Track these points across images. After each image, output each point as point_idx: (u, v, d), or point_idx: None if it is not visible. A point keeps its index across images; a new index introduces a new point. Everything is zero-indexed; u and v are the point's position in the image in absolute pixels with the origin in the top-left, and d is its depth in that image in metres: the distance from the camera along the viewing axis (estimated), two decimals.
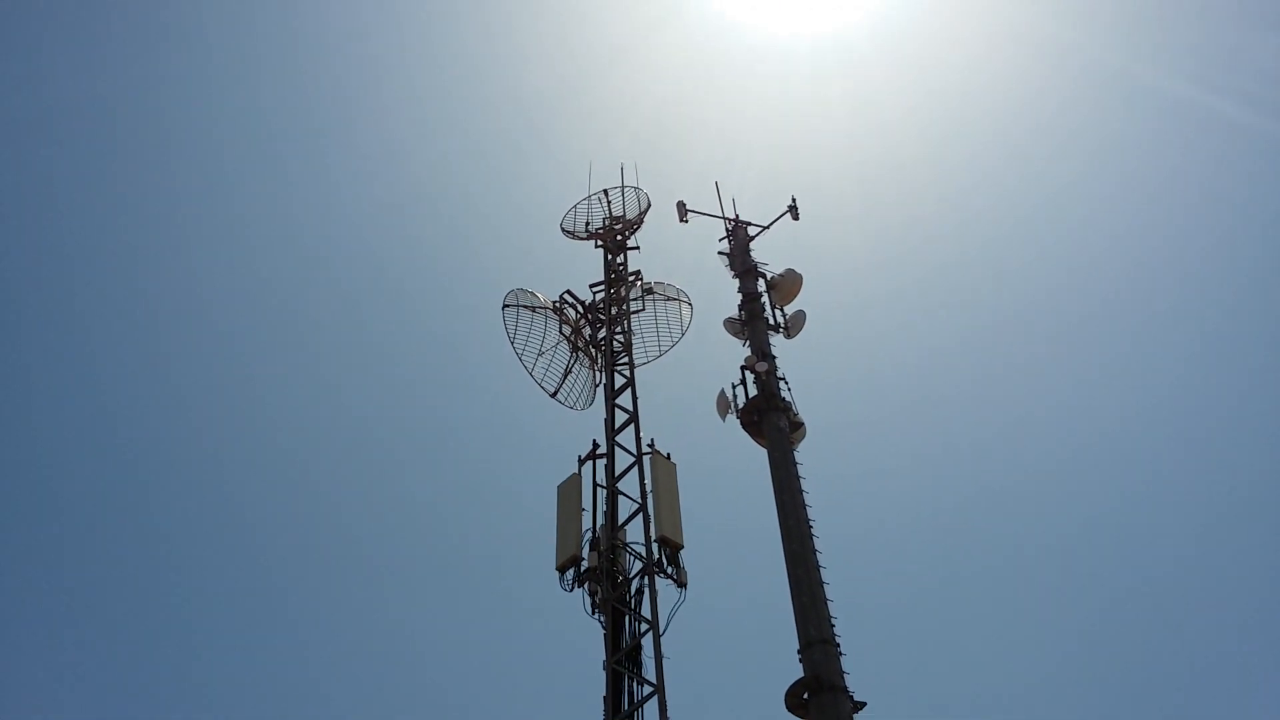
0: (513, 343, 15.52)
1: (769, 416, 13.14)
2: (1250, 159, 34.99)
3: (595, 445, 14.03)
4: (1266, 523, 29.55)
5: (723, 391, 13.75)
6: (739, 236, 15.56)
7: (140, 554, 34.04)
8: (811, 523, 12.01)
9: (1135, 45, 36.90)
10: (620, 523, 13.14)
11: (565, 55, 44.50)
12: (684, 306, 16.33)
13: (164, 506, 34.87)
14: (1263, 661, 27.17)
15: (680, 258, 17.43)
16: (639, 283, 16.26)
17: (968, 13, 41.37)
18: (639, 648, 11.92)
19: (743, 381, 13.66)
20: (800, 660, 10.83)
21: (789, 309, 14.64)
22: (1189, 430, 32.77)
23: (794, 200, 15.74)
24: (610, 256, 16.56)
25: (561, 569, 12.83)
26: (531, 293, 16.01)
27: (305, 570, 33.99)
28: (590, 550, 12.76)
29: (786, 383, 13.60)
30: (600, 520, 13.18)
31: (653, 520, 12.77)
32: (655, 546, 12.53)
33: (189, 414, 36.19)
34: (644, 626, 11.97)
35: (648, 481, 13.21)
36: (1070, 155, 39.09)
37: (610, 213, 17.12)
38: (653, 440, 13.73)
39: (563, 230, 17.18)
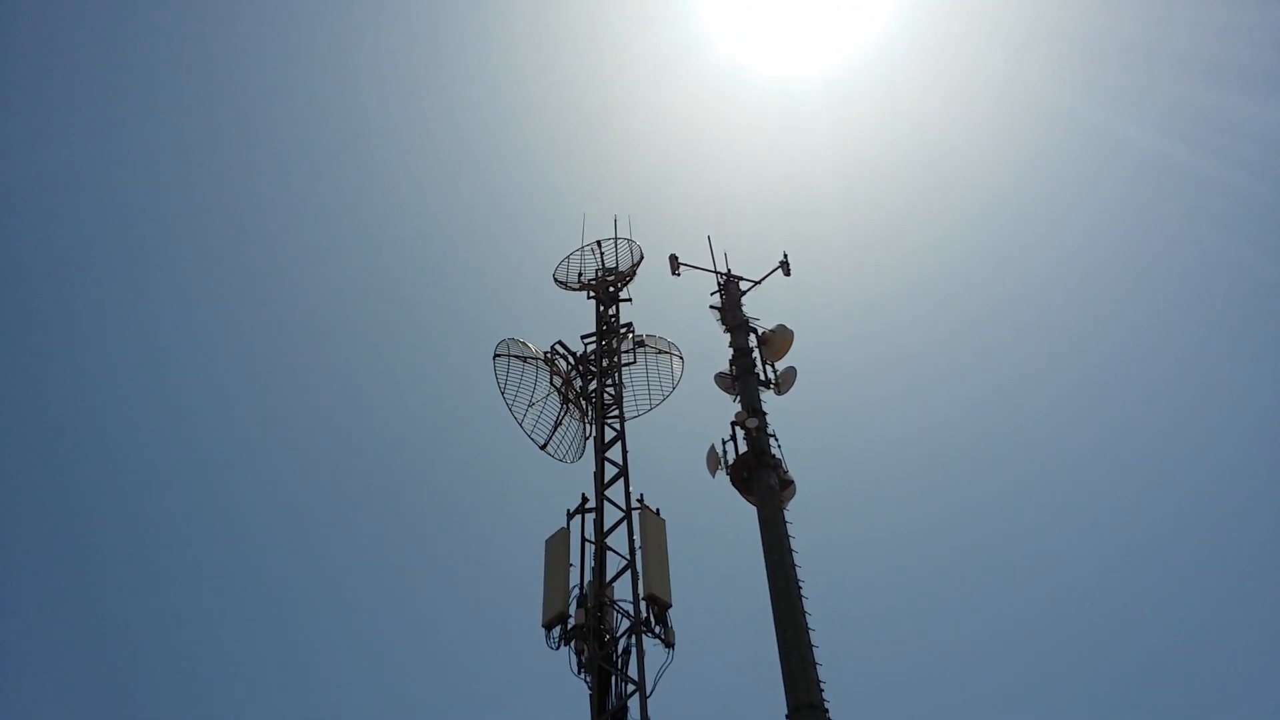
0: (503, 393, 15.47)
1: (759, 473, 13.09)
2: (1222, 211, 35.50)
3: (584, 499, 13.92)
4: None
5: (713, 447, 13.70)
6: (731, 291, 15.59)
7: (137, 556, 33.85)
8: (801, 583, 11.91)
9: (1114, 98, 37.52)
10: (608, 579, 13.01)
11: (566, 107, 44.95)
12: (675, 360, 16.31)
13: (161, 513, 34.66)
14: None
15: (672, 311, 17.47)
16: (630, 335, 16.26)
17: (950, 60, 41.94)
18: (625, 709, 11.74)
19: (733, 437, 13.63)
20: None
21: (780, 365, 14.65)
22: (1166, 517, 32.71)
23: (785, 256, 15.83)
24: (602, 308, 16.57)
25: (548, 626, 12.65)
26: (523, 343, 15.98)
27: (286, 616, 33.55)
28: (578, 608, 12.60)
29: (777, 439, 13.58)
30: (588, 576, 13.05)
31: (641, 577, 12.65)
32: (643, 605, 12.40)
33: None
34: (630, 687, 11.82)
35: (636, 538, 13.11)
36: (1054, 205, 39.53)
37: (603, 264, 17.18)
38: (642, 495, 13.66)
39: (555, 281, 17.21)
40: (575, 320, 16.63)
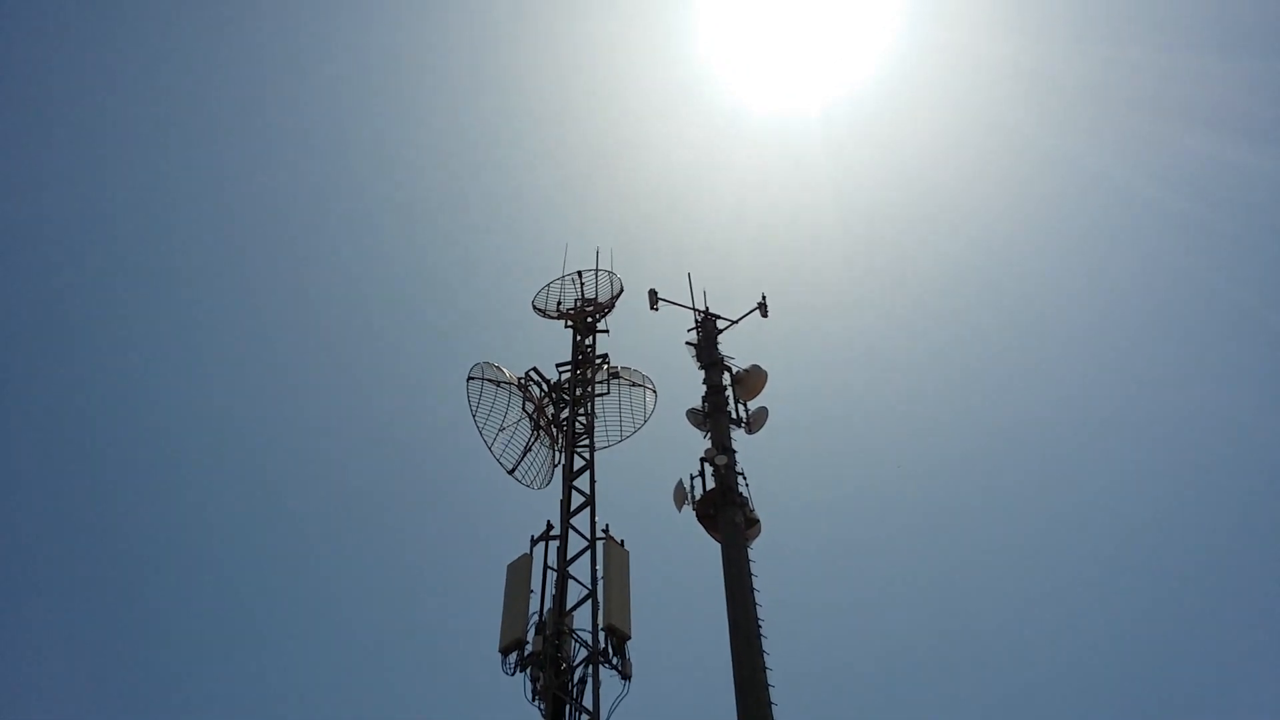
0: (474, 416, 15.47)
1: (725, 511, 13.17)
2: (1210, 252, 36.16)
3: (549, 526, 13.87)
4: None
5: (681, 482, 13.79)
6: (707, 329, 15.75)
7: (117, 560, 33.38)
8: (761, 622, 11.96)
9: (1109, 147, 38.29)
10: (568, 608, 12.97)
11: (562, 139, 45.36)
12: (648, 393, 16.39)
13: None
14: None
15: (648, 345, 17.57)
16: (606, 366, 16.34)
17: (943, 102, 42.53)
18: None
19: (701, 473, 13.73)
20: None
21: (752, 404, 14.81)
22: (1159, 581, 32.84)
23: (764, 297, 16.04)
24: (579, 338, 16.65)
25: (505, 651, 12.58)
26: (497, 367, 16.01)
27: (245, 637, 33.08)
28: (536, 634, 12.55)
29: (745, 478, 13.69)
30: (548, 604, 13.00)
31: (601, 608, 12.63)
32: (602, 635, 12.37)
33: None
34: (585, 718, 11.76)
35: (599, 567, 13.10)
36: (1048, 247, 39.91)
37: (583, 294, 17.26)
38: (607, 525, 13.65)
39: (534, 308, 17.28)
40: (552, 348, 16.71)
